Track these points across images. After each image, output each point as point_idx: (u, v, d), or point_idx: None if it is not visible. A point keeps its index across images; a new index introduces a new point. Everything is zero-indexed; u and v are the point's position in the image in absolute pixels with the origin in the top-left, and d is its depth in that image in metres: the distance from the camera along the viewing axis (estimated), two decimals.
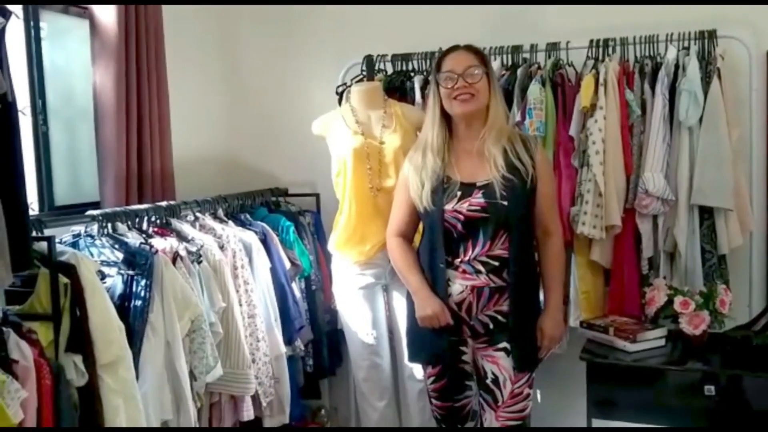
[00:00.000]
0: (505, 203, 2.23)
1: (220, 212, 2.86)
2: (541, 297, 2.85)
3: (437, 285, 2.30)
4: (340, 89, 3.14)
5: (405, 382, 2.88)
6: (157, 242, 2.34)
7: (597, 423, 2.53)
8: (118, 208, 2.45)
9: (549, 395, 3.16)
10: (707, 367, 2.48)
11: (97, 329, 1.96)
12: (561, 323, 2.40)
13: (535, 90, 2.78)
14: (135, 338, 2.11)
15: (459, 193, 2.28)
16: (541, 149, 2.41)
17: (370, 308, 2.83)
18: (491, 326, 2.29)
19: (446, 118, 2.35)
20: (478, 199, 2.26)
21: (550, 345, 2.35)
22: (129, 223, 2.40)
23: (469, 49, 2.34)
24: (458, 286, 2.28)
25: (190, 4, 3.31)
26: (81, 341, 1.93)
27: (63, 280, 1.93)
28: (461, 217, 2.26)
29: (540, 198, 2.32)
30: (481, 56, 2.33)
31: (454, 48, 2.36)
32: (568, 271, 2.84)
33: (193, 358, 2.30)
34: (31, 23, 2.64)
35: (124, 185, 2.72)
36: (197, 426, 2.33)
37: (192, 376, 2.30)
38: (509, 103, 2.87)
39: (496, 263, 2.26)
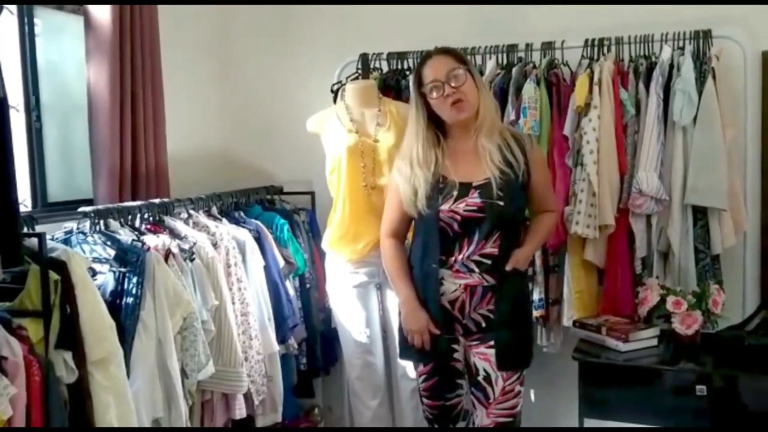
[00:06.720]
0: (501, 203, 2.23)
1: (214, 210, 2.85)
2: (534, 296, 2.87)
3: (429, 284, 2.30)
4: (335, 87, 3.14)
5: (398, 381, 2.88)
6: (150, 239, 2.34)
7: (589, 422, 2.53)
8: (110, 205, 2.44)
9: (541, 394, 3.16)
10: (699, 367, 2.48)
11: (88, 326, 1.95)
12: (526, 261, 2.35)
13: (529, 89, 2.78)
14: (126, 335, 2.10)
15: (455, 194, 2.27)
16: (535, 145, 2.40)
17: (364, 307, 2.83)
18: (483, 324, 2.29)
19: (433, 124, 2.33)
20: (474, 199, 2.25)
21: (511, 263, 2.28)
22: (122, 220, 2.40)
23: (445, 52, 2.32)
24: (451, 285, 2.28)
25: (185, 4, 3.30)
26: (71, 338, 1.92)
27: (53, 276, 1.92)
28: (458, 217, 2.25)
29: (535, 186, 2.33)
30: (458, 56, 2.31)
31: (429, 56, 2.32)
32: (562, 271, 2.85)
33: (184, 355, 2.30)
34: (25, 19, 2.63)
35: (117, 182, 2.72)
36: (189, 424, 2.32)
37: (183, 374, 2.29)
38: (504, 102, 2.87)
39: (489, 262, 2.26)
